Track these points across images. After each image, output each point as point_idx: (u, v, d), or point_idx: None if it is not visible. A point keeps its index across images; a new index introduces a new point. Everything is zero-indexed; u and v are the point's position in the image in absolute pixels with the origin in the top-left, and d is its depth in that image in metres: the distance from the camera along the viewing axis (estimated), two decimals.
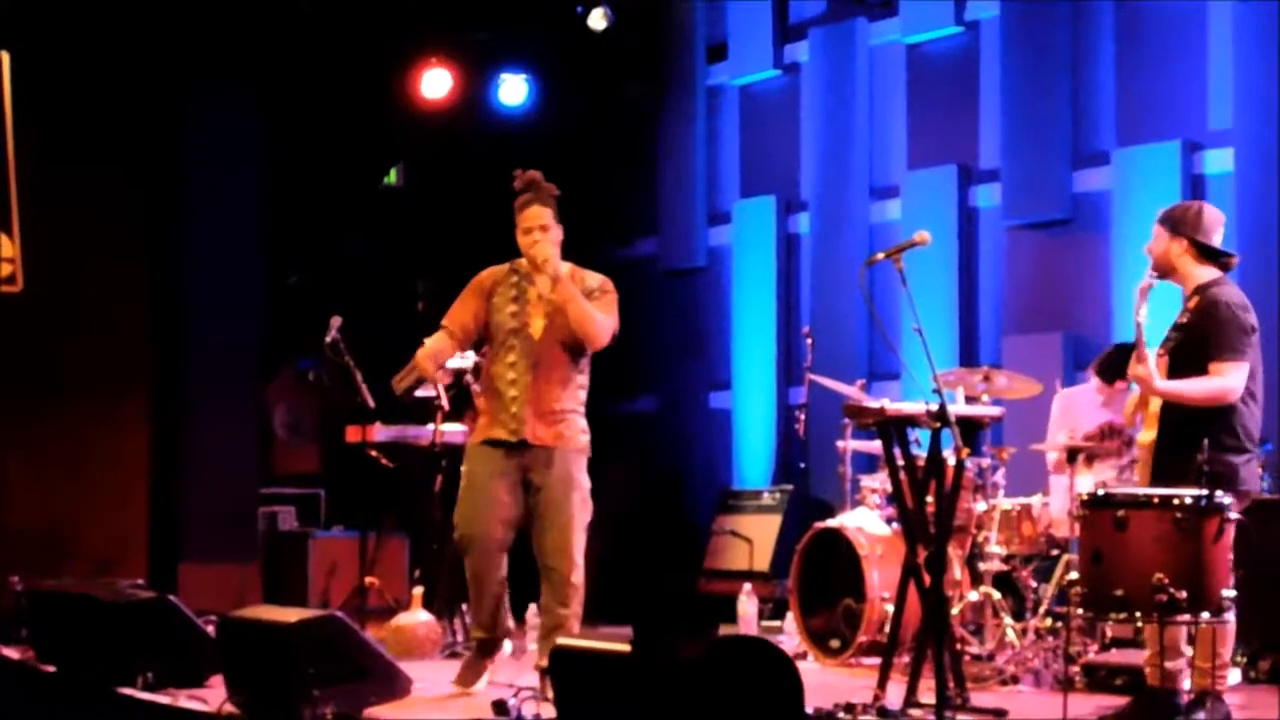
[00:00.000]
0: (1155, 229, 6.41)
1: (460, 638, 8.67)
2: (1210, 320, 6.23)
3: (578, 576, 6.93)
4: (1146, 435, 6.39)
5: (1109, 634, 7.82)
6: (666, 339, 12.52)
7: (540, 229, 6.99)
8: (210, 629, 7.16)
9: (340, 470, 11.83)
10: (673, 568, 11.28)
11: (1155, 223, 6.43)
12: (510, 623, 7.26)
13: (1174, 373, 6.27)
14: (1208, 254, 6.35)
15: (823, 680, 7.72)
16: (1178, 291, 6.43)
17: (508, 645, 7.15)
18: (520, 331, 7.03)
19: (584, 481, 7.04)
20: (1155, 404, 6.32)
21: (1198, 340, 6.23)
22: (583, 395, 7.12)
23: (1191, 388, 6.19)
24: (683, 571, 11.18)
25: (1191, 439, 6.03)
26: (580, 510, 6.99)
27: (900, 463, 6.98)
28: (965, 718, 6.40)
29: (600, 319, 6.97)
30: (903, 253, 6.58)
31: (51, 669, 7.62)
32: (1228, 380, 6.17)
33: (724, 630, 7.96)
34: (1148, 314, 6.24)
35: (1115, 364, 8.22)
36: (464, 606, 8.35)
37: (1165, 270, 6.38)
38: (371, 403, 9.13)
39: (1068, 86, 10.15)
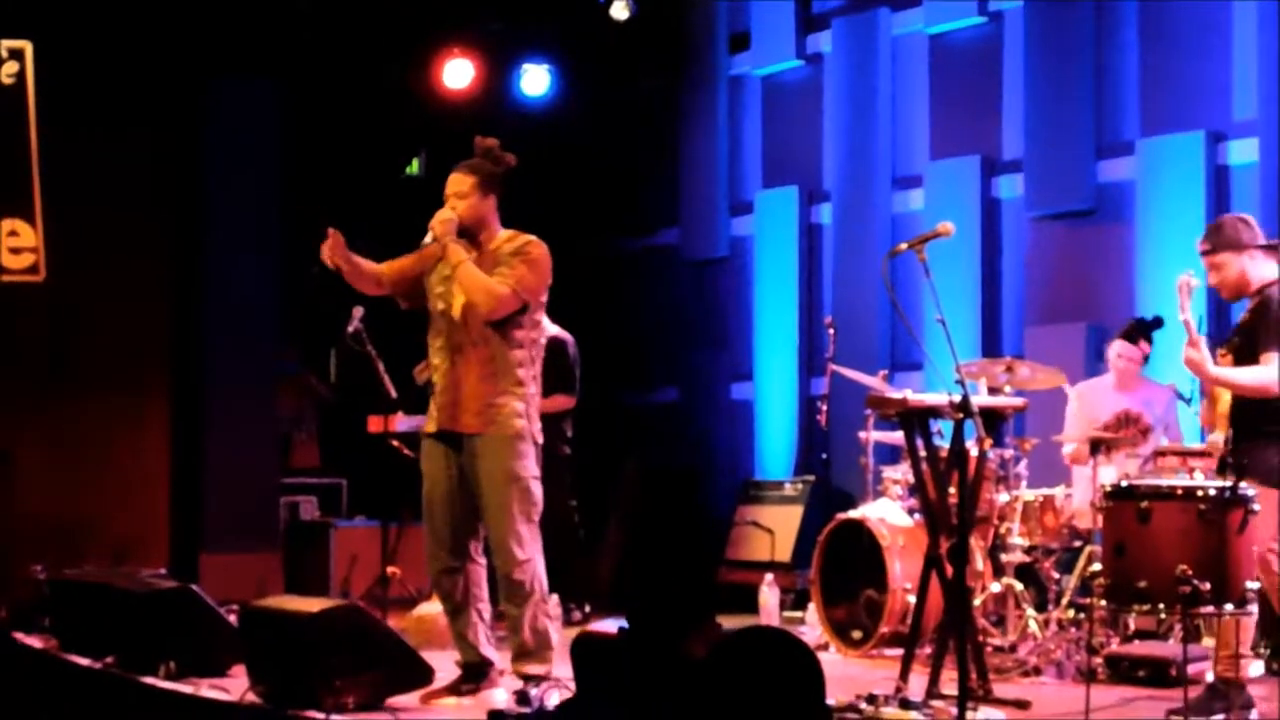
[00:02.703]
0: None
1: None
2: (1260, 315, 6.29)
3: (521, 573, 6.42)
4: (1219, 435, 6.44)
5: (1132, 625, 7.81)
6: (688, 329, 12.51)
7: (455, 196, 6.53)
8: (232, 618, 7.17)
9: (352, 462, 11.83)
10: (681, 559, 11.25)
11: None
12: (491, 650, 6.64)
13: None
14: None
15: (845, 671, 7.71)
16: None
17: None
18: (445, 313, 6.54)
19: (522, 469, 6.44)
20: (1224, 405, 6.38)
21: (1251, 336, 6.29)
22: (522, 374, 6.49)
23: (1241, 375, 6.22)
24: (688, 563, 11.15)
25: (1260, 435, 6.08)
26: (518, 502, 6.42)
27: (923, 454, 6.97)
28: (987, 709, 6.38)
29: (489, 286, 6.38)
30: (925, 243, 6.58)
31: (73, 658, 7.64)
32: (1274, 370, 6.17)
33: (746, 621, 7.96)
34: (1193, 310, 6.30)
35: (1137, 328, 8.42)
36: None
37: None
38: (394, 393, 9.13)
39: (1091, 76, 10.11)
